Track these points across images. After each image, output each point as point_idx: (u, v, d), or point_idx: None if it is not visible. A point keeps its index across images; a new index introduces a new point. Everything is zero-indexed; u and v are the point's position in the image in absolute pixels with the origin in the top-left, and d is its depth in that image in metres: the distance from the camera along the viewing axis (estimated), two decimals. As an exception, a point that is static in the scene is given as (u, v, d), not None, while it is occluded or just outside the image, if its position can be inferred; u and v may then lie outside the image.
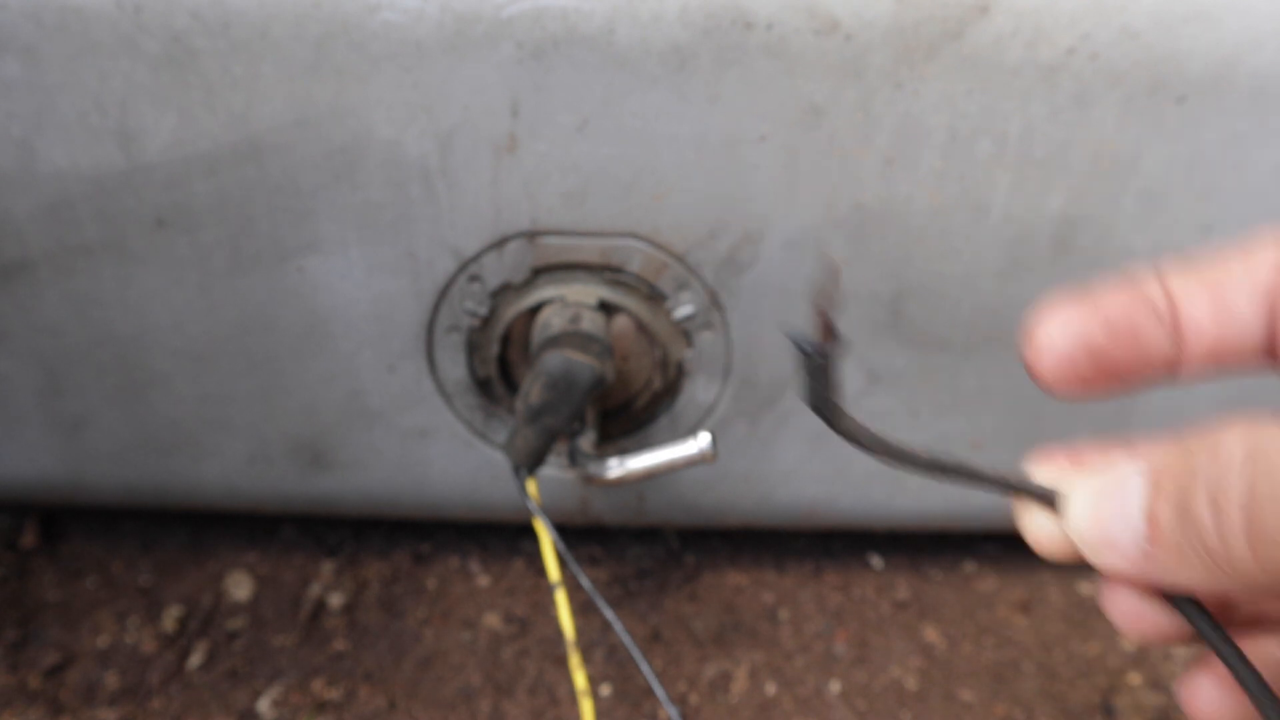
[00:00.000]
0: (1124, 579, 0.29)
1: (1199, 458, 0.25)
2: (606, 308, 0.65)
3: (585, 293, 0.64)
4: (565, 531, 0.62)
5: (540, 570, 0.82)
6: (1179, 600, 0.30)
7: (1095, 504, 0.29)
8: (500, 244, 0.62)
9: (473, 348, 0.67)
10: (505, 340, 0.66)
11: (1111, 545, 0.28)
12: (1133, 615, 0.31)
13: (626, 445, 0.71)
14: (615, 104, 0.56)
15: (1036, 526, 0.32)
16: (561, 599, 0.59)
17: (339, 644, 0.76)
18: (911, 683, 0.75)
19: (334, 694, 0.72)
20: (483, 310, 0.65)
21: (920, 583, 0.83)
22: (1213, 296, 0.31)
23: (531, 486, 0.62)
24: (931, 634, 0.79)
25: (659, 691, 0.55)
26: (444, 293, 0.64)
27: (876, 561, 0.84)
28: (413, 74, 0.55)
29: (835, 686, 0.75)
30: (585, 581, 0.59)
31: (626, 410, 0.70)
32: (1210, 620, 0.30)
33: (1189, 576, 0.26)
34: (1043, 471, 0.32)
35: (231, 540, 0.83)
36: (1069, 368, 0.31)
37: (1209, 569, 0.25)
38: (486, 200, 0.60)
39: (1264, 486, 0.23)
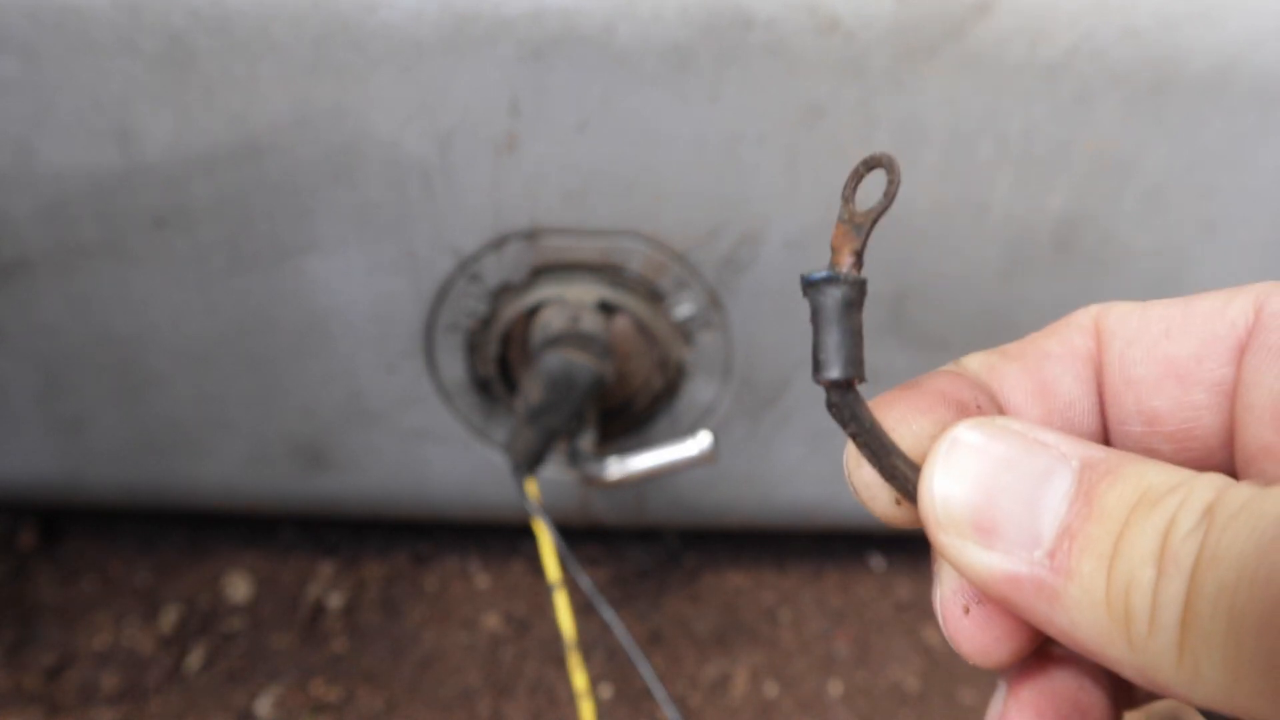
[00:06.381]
0: (985, 582, 0.21)
1: (1153, 484, 0.20)
2: (606, 308, 0.65)
3: (585, 293, 0.64)
4: (565, 532, 0.62)
5: (540, 571, 0.82)
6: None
7: (986, 469, 0.21)
8: (500, 244, 0.62)
9: (473, 348, 0.67)
10: (505, 340, 0.66)
11: (993, 533, 0.21)
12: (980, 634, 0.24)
13: (626, 445, 0.70)
14: (615, 103, 0.56)
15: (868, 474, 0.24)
16: (561, 600, 0.59)
17: (338, 645, 0.75)
18: (912, 684, 0.75)
19: (333, 695, 0.72)
20: (483, 310, 0.65)
21: (922, 584, 0.82)
22: (1033, 379, 0.25)
23: (531, 487, 0.62)
24: (933, 635, 0.78)
25: (659, 692, 0.55)
26: (444, 293, 0.64)
27: (878, 562, 0.84)
28: (412, 73, 0.55)
29: (836, 687, 0.74)
30: (585, 582, 0.59)
31: (626, 410, 0.70)
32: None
33: (1078, 624, 0.20)
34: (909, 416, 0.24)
35: (230, 541, 0.83)
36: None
37: (1113, 633, 0.19)
38: (486, 200, 0.60)
39: (1223, 563, 0.18)
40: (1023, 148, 0.58)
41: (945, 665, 0.76)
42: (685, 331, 0.66)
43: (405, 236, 0.61)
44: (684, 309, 0.65)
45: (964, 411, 0.24)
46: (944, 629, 0.24)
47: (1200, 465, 0.24)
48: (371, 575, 0.81)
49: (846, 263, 0.23)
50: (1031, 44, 0.55)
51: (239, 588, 0.79)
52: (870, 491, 0.24)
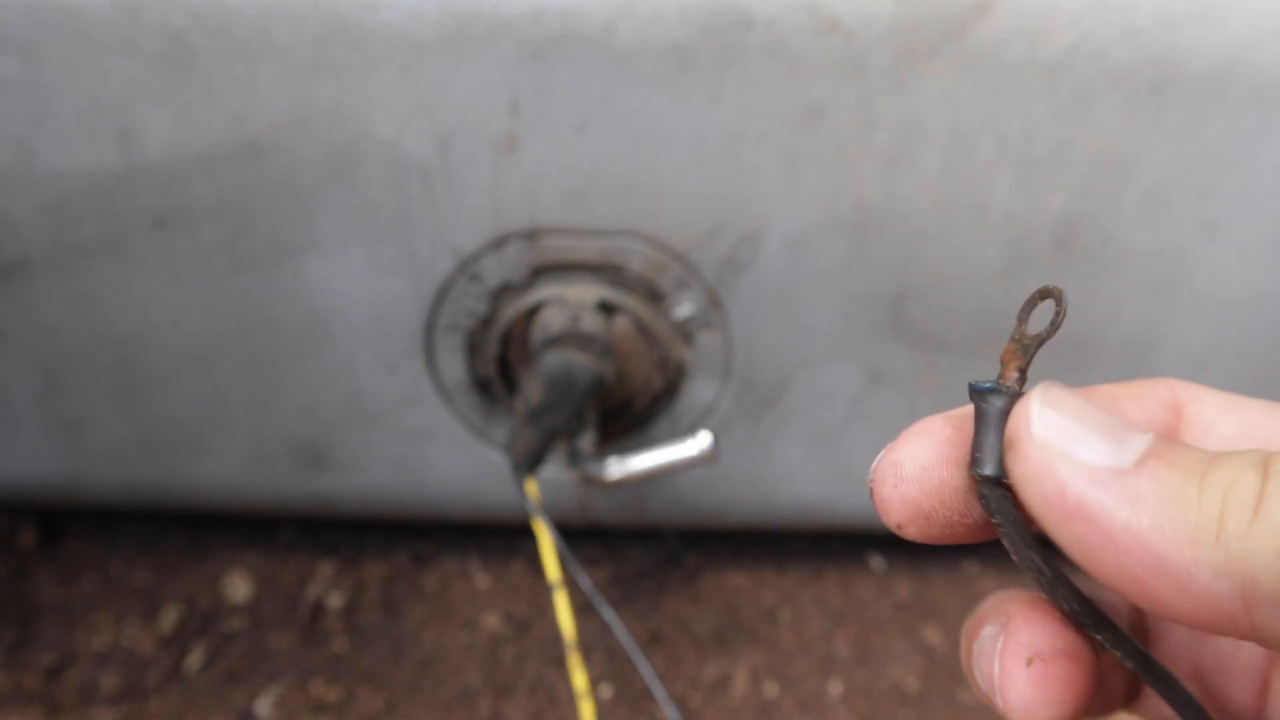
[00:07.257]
0: (1067, 486, 0.22)
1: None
2: (606, 308, 0.65)
3: (585, 293, 0.64)
4: (565, 532, 0.62)
5: (540, 571, 0.82)
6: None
7: (1077, 401, 0.23)
8: (500, 244, 0.62)
9: (473, 348, 0.67)
10: (505, 340, 0.66)
11: (1084, 443, 0.22)
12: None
13: (626, 445, 0.70)
14: (615, 103, 0.56)
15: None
16: (561, 600, 0.59)
17: (338, 645, 0.75)
18: (912, 684, 0.75)
19: (333, 695, 0.72)
20: (483, 310, 0.65)
21: (921, 584, 0.83)
22: None
23: (531, 487, 0.62)
24: (933, 635, 0.78)
25: (658, 692, 0.55)
26: (444, 292, 0.64)
27: (877, 562, 0.84)
28: (412, 73, 0.55)
29: (836, 687, 0.74)
30: (584, 582, 0.59)
31: (626, 410, 0.70)
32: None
33: (1158, 523, 0.21)
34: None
35: (230, 541, 0.83)
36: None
37: (1200, 529, 0.20)
38: (486, 200, 0.60)
39: None
40: (1023, 148, 0.58)
41: (945, 665, 0.76)
42: (685, 331, 0.66)
43: (405, 236, 0.61)
44: (684, 309, 0.65)
45: None
46: (996, 680, 0.26)
47: None
48: (371, 575, 0.81)
49: (1011, 377, 0.26)
50: (1031, 44, 0.55)
51: (239, 588, 0.79)
52: (886, 507, 0.28)
